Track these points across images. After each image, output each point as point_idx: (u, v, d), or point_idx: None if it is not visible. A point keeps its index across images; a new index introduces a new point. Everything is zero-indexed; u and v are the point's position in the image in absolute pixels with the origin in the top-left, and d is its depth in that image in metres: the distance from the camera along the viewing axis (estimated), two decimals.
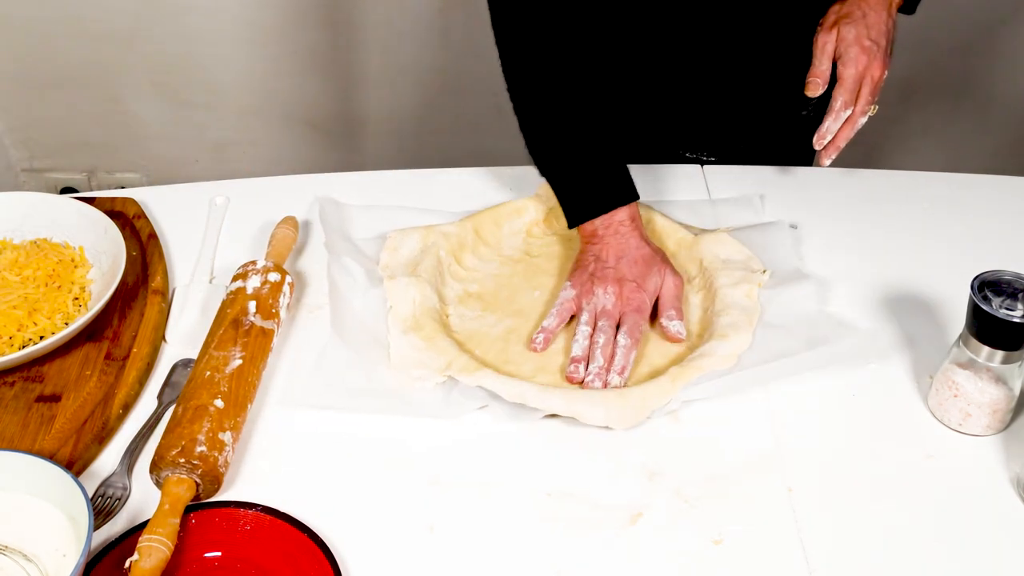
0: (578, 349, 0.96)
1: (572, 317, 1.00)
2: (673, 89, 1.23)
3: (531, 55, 1.05)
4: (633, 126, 1.25)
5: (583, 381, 0.93)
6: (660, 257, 1.03)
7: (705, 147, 1.29)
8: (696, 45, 1.18)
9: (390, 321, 0.98)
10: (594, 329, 0.97)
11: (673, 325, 0.99)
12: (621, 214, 1.02)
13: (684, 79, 1.22)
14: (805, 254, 1.10)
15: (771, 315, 0.99)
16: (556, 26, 1.04)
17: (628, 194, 1.03)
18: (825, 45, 1.06)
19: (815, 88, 1.06)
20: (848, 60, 1.05)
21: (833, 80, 1.07)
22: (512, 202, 1.14)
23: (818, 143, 1.07)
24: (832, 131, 1.06)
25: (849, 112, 1.05)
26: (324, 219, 1.10)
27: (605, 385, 0.93)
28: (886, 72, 1.07)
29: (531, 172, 1.20)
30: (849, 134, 1.07)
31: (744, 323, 0.97)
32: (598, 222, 1.02)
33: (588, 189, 1.03)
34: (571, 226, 1.05)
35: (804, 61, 1.09)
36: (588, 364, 0.94)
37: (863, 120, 1.07)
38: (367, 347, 0.96)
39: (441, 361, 0.93)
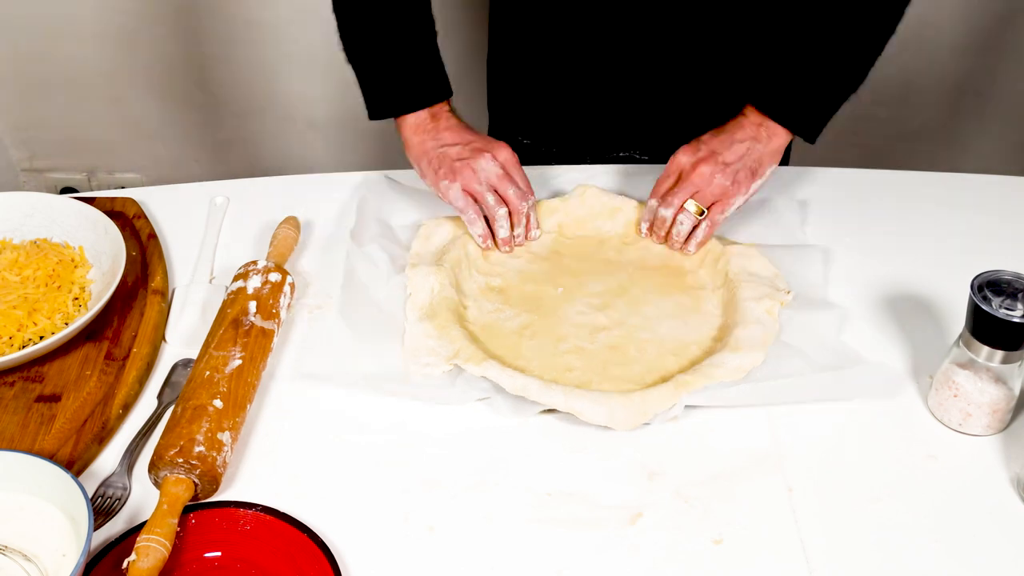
0: (503, 224, 1.07)
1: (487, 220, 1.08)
2: (606, 87, 1.24)
3: None
4: (568, 125, 1.28)
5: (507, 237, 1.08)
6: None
7: (637, 145, 1.29)
8: (625, 42, 1.19)
9: (408, 308, 1.00)
10: (496, 194, 1.06)
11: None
12: (447, 106, 1.10)
13: (616, 77, 1.22)
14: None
15: (788, 335, 0.97)
16: None
17: (446, 89, 1.10)
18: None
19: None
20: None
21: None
22: (545, 201, 1.13)
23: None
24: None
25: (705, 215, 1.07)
26: (363, 204, 1.12)
27: (531, 203, 1.07)
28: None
29: (548, 172, 1.21)
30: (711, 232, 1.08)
31: (760, 339, 0.95)
32: (424, 114, 1.09)
33: (410, 81, 1.09)
34: (376, 117, 1.11)
35: (730, 58, 1.14)
36: (512, 217, 1.07)
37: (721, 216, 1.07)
38: (383, 332, 0.98)
39: (450, 350, 0.94)
